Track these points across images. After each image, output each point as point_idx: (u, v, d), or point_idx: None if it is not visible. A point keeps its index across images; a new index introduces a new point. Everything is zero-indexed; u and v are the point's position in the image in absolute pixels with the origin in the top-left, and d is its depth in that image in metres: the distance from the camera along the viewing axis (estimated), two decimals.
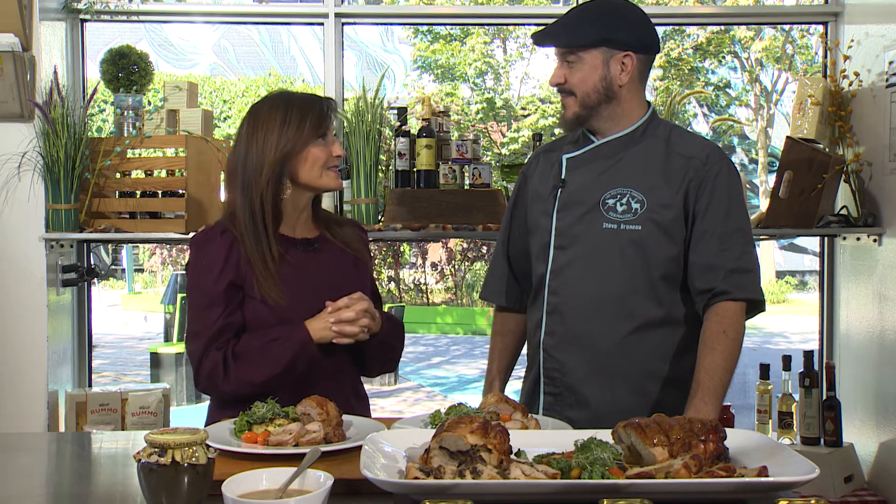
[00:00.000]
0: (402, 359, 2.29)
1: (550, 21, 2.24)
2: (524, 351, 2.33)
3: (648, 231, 2.04)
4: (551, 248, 2.12)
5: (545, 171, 2.22)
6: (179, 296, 9.15)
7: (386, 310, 2.23)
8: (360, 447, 1.44)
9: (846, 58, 3.14)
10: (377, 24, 5.35)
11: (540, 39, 2.16)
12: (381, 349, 2.14)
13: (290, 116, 2.04)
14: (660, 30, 2.42)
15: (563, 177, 2.15)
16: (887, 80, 2.95)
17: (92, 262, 3.44)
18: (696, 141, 2.15)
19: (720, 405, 1.95)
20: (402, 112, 3.18)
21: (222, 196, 3.19)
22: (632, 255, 2.05)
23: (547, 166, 2.22)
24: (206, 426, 1.94)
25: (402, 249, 16.45)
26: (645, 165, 2.09)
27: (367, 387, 2.25)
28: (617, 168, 2.10)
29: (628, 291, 2.05)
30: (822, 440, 3.01)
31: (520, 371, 2.30)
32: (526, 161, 2.42)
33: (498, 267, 2.35)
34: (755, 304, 2.06)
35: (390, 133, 3.16)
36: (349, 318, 1.99)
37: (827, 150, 3.12)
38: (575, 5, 2.22)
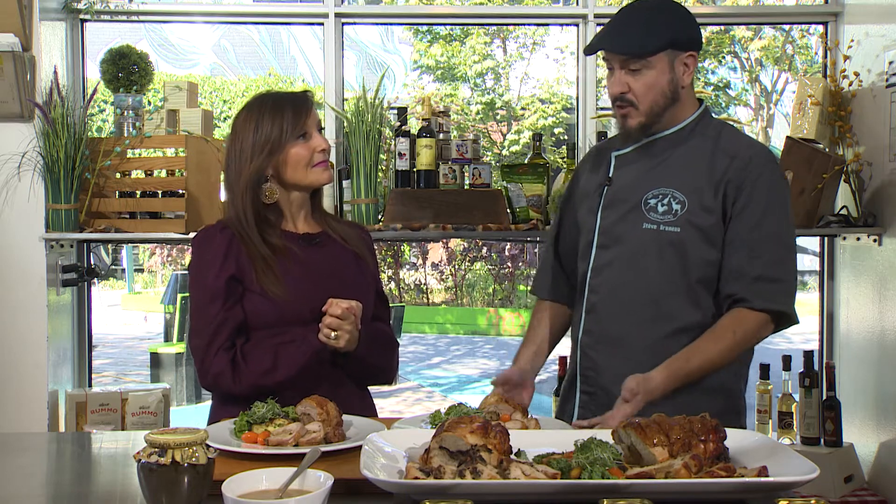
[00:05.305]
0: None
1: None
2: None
3: (687, 233, 1.99)
4: (594, 247, 2.10)
5: (594, 169, 2.19)
6: (179, 296, 9.13)
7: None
8: (360, 447, 1.44)
9: (846, 58, 3.14)
10: (377, 24, 5.37)
11: (607, 45, 2.02)
12: (361, 369, 2.07)
13: (262, 123, 2.03)
14: None
15: (609, 174, 2.12)
16: (887, 80, 2.95)
17: (92, 262, 3.44)
18: (744, 141, 2.08)
19: (675, 386, 1.89)
20: (402, 112, 3.18)
21: (222, 196, 3.19)
22: (671, 257, 2.00)
23: (597, 163, 2.19)
24: (208, 424, 1.95)
25: (402, 249, 16.43)
26: (690, 165, 2.04)
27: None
28: (662, 167, 2.06)
29: (666, 294, 2.01)
30: (822, 440, 3.02)
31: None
32: (581, 158, 2.37)
33: (546, 263, 2.32)
34: (782, 317, 1.96)
35: (390, 133, 3.16)
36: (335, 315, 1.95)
37: (827, 150, 3.12)
38: (623, 5, 2.11)
